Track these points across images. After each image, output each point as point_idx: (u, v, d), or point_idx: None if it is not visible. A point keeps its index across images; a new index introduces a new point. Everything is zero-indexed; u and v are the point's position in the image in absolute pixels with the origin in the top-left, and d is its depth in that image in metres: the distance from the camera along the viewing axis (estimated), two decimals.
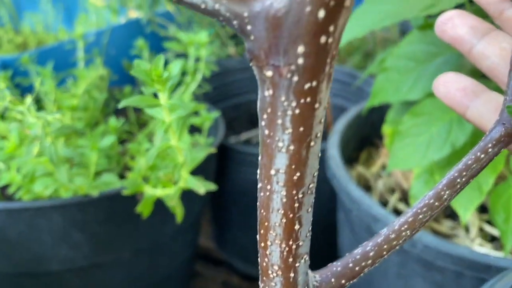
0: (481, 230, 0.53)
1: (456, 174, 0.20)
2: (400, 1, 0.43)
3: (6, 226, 0.45)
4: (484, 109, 0.23)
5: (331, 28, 0.12)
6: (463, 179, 0.20)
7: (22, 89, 0.67)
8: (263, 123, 0.14)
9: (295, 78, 0.12)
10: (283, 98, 0.13)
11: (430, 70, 0.52)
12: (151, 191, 0.41)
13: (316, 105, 0.13)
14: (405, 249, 0.46)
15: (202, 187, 0.35)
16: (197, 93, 0.69)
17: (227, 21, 0.13)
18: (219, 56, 0.93)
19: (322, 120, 0.14)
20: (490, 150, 0.20)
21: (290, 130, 0.13)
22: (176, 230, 0.52)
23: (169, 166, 0.42)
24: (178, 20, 0.94)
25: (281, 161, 0.14)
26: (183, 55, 0.72)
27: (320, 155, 0.15)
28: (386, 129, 0.61)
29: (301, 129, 0.13)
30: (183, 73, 0.68)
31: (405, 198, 0.59)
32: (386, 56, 0.56)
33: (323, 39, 0.12)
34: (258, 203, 0.16)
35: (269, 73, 0.13)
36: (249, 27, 0.12)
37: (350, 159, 0.65)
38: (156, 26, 0.92)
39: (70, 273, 0.49)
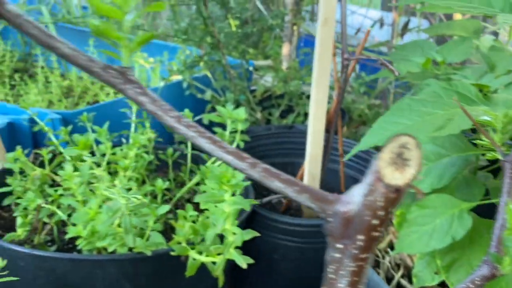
0: None
1: None
2: (416, 118, 0.52)
3: (69, 273, 0.53)
4: None
5: (381, 229, 0.20)
6: None
7: None
8: (330, 270, 0.22)
9: (356, 251, 0.21)
10: (346, 260, 0.21)
11: (438, 169, 0.60)
12: (197, 257, 0.49)
13: (367, 266, 0.22)
14: None
15: (244, 262, 0.43)
16: None
17: (312, 209, 0.21)
18: (248, 120, 1.03)
19: (368, 272, 0.22)
20: (477, 282, 0.28)
21: (348, 279, 0.22)
22: (209, 285, 0.60)
23: (210, 236, 0.50)
24: (214, 85, 1.05)
25: None
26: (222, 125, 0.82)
27: None
28: (397, 209, 0.69)
29: (355, 278, 0.22)
30: None
31: (408, 274, 0.67)
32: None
33: (375, 233, 0.21)
34: None
35: (339, 246, 0.21)
36: (330, 219, 0.21)
37: None
38: (194, 89, 1.02)
39: None
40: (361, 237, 0.21)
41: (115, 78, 0.22)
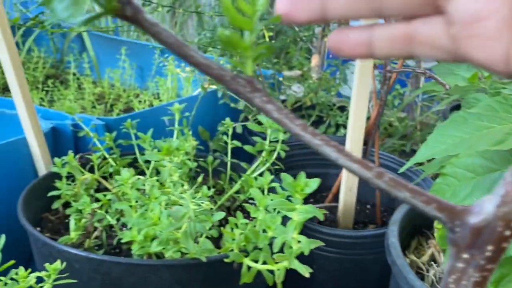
0: None
1: None
2: (473, 132, 0.52)
3: (124, 277, 0.54)
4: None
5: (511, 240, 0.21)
6: None
7: (122, 148, 0.78)
8: (451, 280, 0.22)
9: (482, 262, 0.21)
10: (471, 270, 0.22)
11: (487, 183, 0.60)
12: (253, 264, 0.49)
13: (490, 277, 0.22)
14: None
15: (306, 271, 0.44)
16: (270, 168, 0.78)
17: (438, 218, 0.22)
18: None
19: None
20: None
21: None
22: None
23: (262, 242, 0.51)
24: None
25: None
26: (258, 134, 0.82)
27: None
28: (438, 224, 0.69)
29: None
30: (260, 151, 0.78)
31: None
32: (446, 162, 0.65)
33: (505, 244, 0.21)
34: None
35: (465, 256, 0.22)
36: (457, 229, 0.21)
37: (402, 246, 0.73)
38: (228, 99, 1.03)
39: None
40: (490, 247, 0.21)
41: (243, 87, 0.23)
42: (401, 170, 0.58)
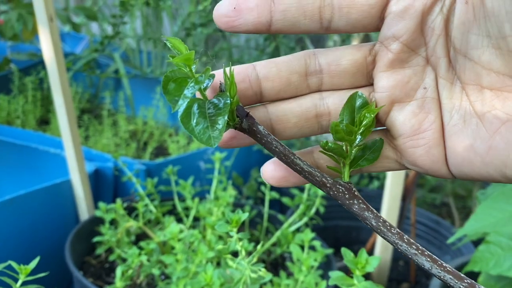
0: None
1: None
2: None
3: None
4: None
5: None
6: None
7: (161, 194, 0.79)
8: None
9: None
10: None
11: None
12: None
13: None
14: None
15: None
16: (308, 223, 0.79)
17: None
18: None
19: None
20: None
21: None
22: None
23: None
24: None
25: None
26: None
27: None
28: None
29: None
30: (298, 205, 0.79)
31: None
32: (490, 231, 0.65)
33: None
34: None
35: None
36: None
37: None
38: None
39: None
40: None
41: (342, 194, 0.24)
42: (450, 240, 0.58)
